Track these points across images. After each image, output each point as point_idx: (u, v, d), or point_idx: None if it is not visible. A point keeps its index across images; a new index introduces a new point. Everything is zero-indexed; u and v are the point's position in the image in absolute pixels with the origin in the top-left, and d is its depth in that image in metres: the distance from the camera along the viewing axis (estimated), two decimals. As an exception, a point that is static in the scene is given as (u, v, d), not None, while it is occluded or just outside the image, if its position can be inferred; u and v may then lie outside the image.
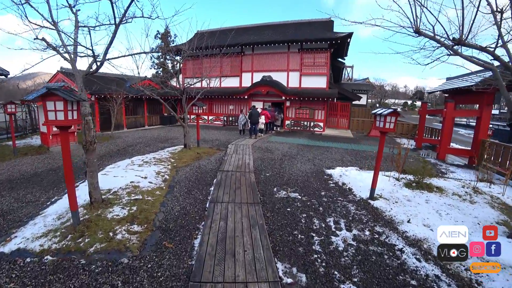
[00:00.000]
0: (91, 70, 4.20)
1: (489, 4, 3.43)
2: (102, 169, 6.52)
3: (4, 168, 6.80)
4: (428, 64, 4.23)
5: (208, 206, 4.59)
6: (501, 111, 34.22)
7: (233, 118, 17.29)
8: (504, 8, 3.32)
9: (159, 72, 26.68)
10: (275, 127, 15.71)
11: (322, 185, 5.90)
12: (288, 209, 4.60)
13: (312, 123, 15.67)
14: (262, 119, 12.81)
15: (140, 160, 7.40)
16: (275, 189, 5.58)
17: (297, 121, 16.04)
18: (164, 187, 5.44)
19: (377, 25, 3.91)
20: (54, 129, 8.79)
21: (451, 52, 3.77)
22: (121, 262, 2.98)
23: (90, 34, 4.06)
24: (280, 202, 4.89)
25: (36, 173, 6.48)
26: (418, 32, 3.77)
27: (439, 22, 3.52)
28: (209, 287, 2.62)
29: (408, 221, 4.21)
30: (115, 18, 4.02)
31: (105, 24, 4.18)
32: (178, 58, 13.97)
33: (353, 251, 3.40)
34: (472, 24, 3.31)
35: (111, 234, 3.49)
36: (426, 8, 3.48)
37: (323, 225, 4.06)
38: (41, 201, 4.79)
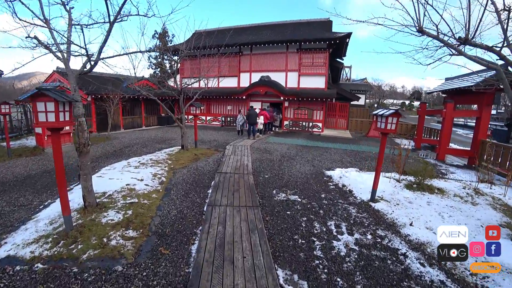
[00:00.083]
0: (85, 69, 4.07)
1: (493, 3, 3.36)
2: (98, 171, 6.39)
3: (-4, 170, 6.63)
4: (429, 64, 4.17)
5: (206, 209, 4.48)
6: (498, 111, 34.37)
7: (231, 118, 17.15)
8: (512, 7, 3.24)
9: (157, 72, 26.45)
10: (273, 128, 15.61)
11: (322, 187, 5.81)
12: (288, 212, 4.50)
13: (310, 124, 15.58)
14: (261, 120, 12.69)
15: (137, 162, 7.26)
16: (274, 191, 5.48)
17: (295, 121, 15.94)
18: (160, 190, 5.32)
19: (379, 24, 3.84)
20: (49, 130, 8.61)
21: (454, 52, 3.69)
22: (115, 270, 2.86)
23: (83, 32, 3.93)
24: (279, 205, 4.79)
25: (29, 175, 6.33)
26: (421, 31, 3.69)
27: (445, 21, 3.44)
28: (207, 296, 2.51)
29: (411, 224, 4.13)
30: (109, 16, 3.89)
31: (99, 22, 4.05)
32: (175, 58, 13.83)
33: (356, 256, 3.31)
34: (479, 23, 3.23)
35: (105, 240, 3.37)
36: (431, 6, 3.40)
37: (324, 229, 3.96)
38: (33, 204, 4.65)
